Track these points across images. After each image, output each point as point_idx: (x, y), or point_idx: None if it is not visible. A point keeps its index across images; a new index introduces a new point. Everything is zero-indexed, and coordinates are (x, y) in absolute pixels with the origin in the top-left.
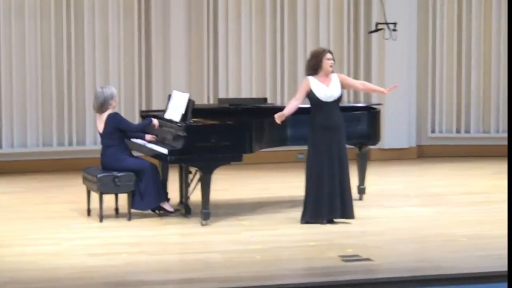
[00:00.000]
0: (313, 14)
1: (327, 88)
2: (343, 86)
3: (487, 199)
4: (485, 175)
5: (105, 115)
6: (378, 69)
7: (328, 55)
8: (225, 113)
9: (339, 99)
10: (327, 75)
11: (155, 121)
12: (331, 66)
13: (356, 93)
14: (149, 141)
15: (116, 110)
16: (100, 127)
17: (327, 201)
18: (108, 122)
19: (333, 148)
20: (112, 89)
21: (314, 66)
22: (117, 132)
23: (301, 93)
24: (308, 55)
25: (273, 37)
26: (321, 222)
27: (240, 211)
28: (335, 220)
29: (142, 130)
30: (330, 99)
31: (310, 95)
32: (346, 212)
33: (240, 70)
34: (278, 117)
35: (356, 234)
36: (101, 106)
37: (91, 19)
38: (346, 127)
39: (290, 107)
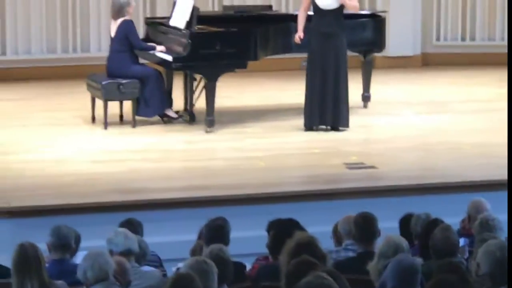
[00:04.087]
0: None
1: None
2: None
3: (491, 107)
4: (490, 82)
5: (119, 20)
6: None
7: None
8: (230, 20)
9: (340, 9)
10: None
11: (159, 48)
12: None
13: (360, 0)
14: (160, 51)
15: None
16: (113, 31)
17: (318, 107)
18: (121, 28)
19: (328, 55)
20: None
21: None
22: (128, 39)
23: (304, 1)
24: None
25: None
26: (316, 129)
27: (245, 119)
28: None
29: (142, 50)
30: (329, 7)
31: (312, 2)
32: (339, 120)
33: None
34: (297, 40)
35: (360, 142)
36: (118, 12)
37: None
38: (350, 35)
39: (299, 20)
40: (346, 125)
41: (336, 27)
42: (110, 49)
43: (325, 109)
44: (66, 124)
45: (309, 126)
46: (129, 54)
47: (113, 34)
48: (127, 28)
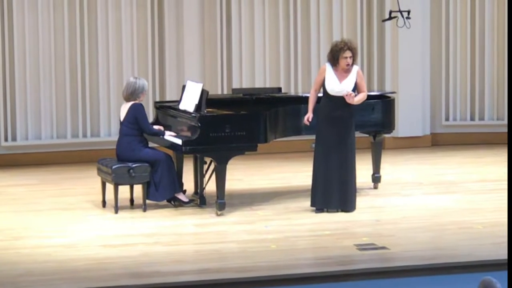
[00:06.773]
0: (326, 2)
1: (339, 84)
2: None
3: (502, 187)
4: (499, 162)
5: (130, 103)
6: (391, 57)
7: (346, 53)
8: (239, 103)
9: None
10: (345, 70)
11: (167, 135)
12: (347, 65)
13: (369, 81)
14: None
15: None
16: (123, 114)
17: (321, 190)
18: (130, 111)
19: (333, 139)
20: (145, 82)
21: (333, 59)
22: (137, 122)
23: (316, 82)
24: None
25: (287, 26)
26: (327, 211)
27: (255, 201)
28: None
29: (152, 135)
30: (339, 94)
31: (322, 85)
32: (346, 204)
33: (253, 59)
34: (307, 120)
35: (371, 223)
36: (130, 95)
37: (104, 9)
38: (360, 116)
39: (310, 102)
40: (352, 208)
41: (344, 111)
42: (119, 133)
43: (330, 193)
44: (77, 209)
45: (314, 207)
46: (139, 138)
47: (122, 117)
48: (137, 111)
